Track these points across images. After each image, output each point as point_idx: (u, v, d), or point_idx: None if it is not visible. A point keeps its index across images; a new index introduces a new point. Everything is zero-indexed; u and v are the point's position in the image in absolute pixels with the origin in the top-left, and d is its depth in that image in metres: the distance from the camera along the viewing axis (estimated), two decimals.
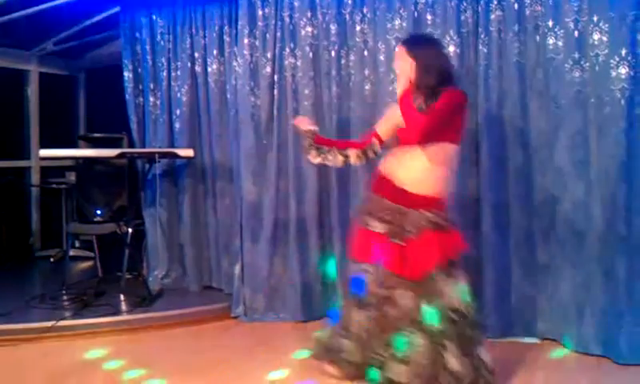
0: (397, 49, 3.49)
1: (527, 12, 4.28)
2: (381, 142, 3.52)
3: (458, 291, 3.29)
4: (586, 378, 3.74)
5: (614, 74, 3.92)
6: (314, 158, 3.59)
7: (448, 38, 4.44)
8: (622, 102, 3.89)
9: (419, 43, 3.47)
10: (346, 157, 3.56)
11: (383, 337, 3.32)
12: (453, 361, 3.20)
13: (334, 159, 3.56)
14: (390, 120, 3.47)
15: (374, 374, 3.30)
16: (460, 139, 3.39)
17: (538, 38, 4.26)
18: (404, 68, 3.36)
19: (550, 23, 4.17)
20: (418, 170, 3.31)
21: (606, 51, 3.95)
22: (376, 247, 3.36)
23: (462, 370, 3.20)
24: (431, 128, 3.23)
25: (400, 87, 3.40)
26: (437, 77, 3.29)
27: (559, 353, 4.15)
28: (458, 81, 3.59)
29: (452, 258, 3.34)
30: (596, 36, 3.97)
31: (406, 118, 3.33)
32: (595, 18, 3.96)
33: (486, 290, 4.38)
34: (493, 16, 4.35)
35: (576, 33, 4.07)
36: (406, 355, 3.23)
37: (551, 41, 4.17)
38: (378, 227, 3.37)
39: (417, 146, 3.28)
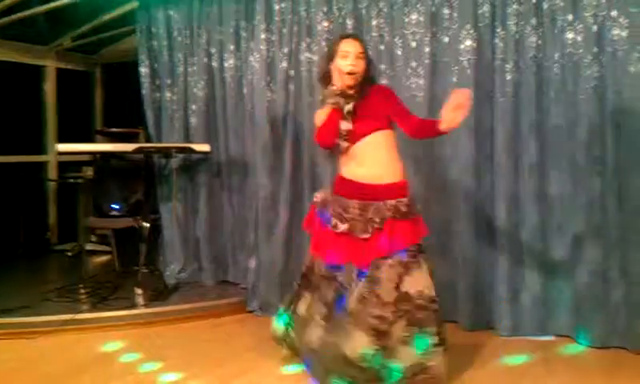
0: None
1: (545, 5, 4.24)
2: None
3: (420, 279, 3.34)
4: None
5: (632, 69, 3.91)
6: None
7: (465, 32, 4.43)
8: None
9: None
10: None
11: None
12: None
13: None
14: None
15: None
16: None
17: (556, 32, 4.22)
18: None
19: (570, 17, 4.14)
20: (382, 162, 3.42)
21: (625, 47, 3.93)
22: (338, 246, 3.44)
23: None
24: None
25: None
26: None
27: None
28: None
29: (409, 245, 3.35)
30: (615, 31, 3.96)
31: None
32: (614, 14, 3.95)
33: None
34: (510, 10, 4.32)
35: (595, 27, 4.05)
36: None
37: (570, 35, 4.14)
38: (341, 227, 3.43)
39: (376, 134, 3.40)
